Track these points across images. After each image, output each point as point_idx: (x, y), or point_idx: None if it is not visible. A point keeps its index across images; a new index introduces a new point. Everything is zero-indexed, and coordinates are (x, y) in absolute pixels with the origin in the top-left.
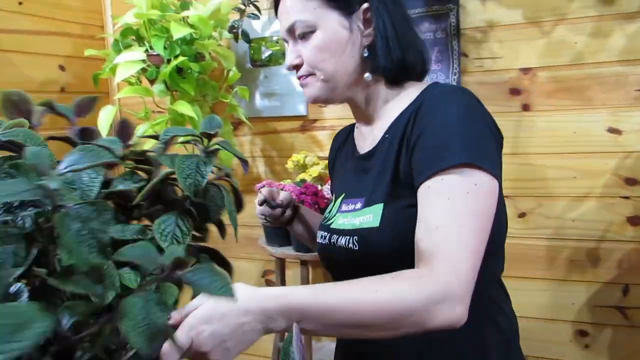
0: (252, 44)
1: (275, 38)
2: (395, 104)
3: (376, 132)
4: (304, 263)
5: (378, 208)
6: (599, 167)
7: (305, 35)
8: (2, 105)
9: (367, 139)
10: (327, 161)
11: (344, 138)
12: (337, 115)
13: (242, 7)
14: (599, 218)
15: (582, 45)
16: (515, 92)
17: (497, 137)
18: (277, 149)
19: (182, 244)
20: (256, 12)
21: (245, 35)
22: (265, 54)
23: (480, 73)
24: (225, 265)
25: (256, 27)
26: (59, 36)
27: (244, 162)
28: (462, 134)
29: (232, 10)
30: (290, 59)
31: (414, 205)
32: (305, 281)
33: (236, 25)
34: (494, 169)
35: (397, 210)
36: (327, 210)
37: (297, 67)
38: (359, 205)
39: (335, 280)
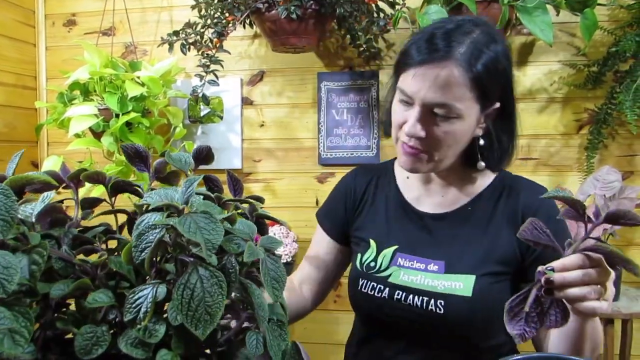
0: (190, 102)
1: (215, 99)
2: (475, 181)
3: (450, 197)
4: None
5: (469, 278)
6: None
7: (444, 117)
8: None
9: (432, 198)
10: None
11: (369, 179)
12: (270, 170)
13: (203, 74)
14: None
15: None
16: None
17: None
18: None
19: None
20: (215, 79)
21: (206, 99)
22: (203, 112)
23: None
24: None
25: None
26: None
27: None
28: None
29: (194, 76)
30: (417, 129)
31: (500, 281)
32: None
33: (197, 90)
34: None
35: (489, 285)
36: (366, 256)
37: (413, 137)
38: (435, 268)
39: (373, 329)
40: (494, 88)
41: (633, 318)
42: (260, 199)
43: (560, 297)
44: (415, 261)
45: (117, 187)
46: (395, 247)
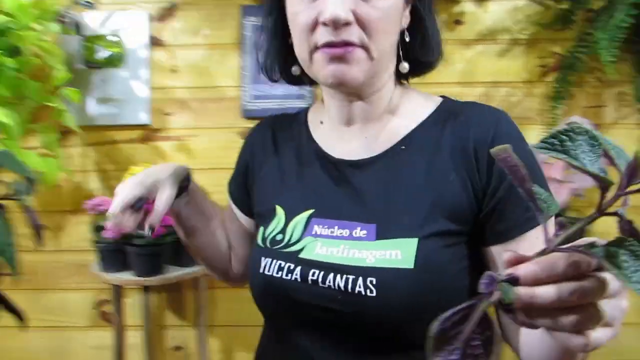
0: (86, 42)
1: (115, 39)
2: (403, 110)
3: (371, 136)
4: (146, 289)
5: (410, 244)
6: None
7: None
8: None
9: (354, 142)
10: None
11: (272, 132)
12: (184, 125)
13: None
14: None
15: None
16: None
17: None
18: (114, 162)
19: None
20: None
21: (77, 28)
22: (102, 54)
23: None
24: (14, 312)
25: (92, 23)
26: None
27: (29, 180)
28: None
29: None
30: (342, 9)
31: (453, 244)
32: (147, 310)
33: (66, 15)
34: None
35: (438, 250)
36: (270, 228)
37: (338, 25)
38: (363, 233)
39: (280, 325)
40: None
41: None
42: None
43: (528, 326)
44: (336, 227)
45: None
46: (311, 211)
